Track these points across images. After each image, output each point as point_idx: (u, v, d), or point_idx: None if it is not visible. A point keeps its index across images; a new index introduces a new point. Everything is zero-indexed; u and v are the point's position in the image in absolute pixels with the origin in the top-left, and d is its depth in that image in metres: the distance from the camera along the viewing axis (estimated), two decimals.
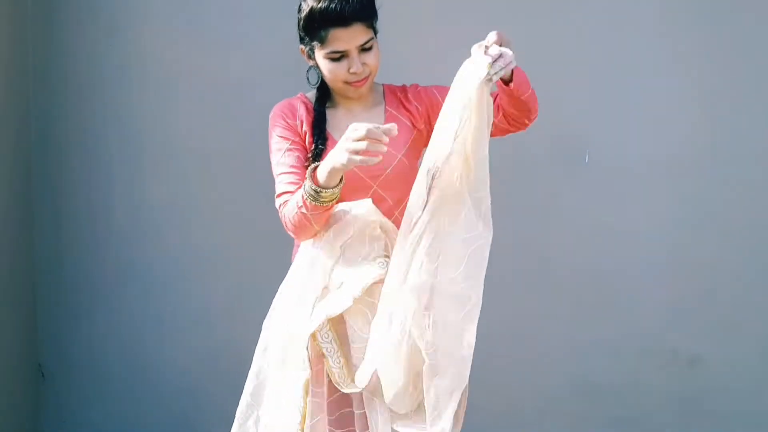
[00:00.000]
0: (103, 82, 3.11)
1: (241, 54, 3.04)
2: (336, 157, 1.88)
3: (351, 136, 1.85)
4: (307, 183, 1.94)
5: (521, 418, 3.18)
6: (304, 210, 1.95)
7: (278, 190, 2.06)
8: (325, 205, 1.95)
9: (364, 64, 2.01)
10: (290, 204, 1.99)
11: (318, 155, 2.04)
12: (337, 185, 1.95)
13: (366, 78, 2.04)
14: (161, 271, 3.17)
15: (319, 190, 1.92)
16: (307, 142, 2.08)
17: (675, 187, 3.09)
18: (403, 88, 2.18)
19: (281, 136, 2.08)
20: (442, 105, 1.92)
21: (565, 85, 3.02)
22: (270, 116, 2.12)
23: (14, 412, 3.05)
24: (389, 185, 2.06)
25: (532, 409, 3.17)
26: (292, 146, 2.07)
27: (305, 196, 1.94)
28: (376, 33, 2.04)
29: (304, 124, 2.08)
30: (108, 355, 3.20)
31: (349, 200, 2.02)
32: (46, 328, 3.19)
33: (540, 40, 2.94)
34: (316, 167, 1.95)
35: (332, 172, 1.91)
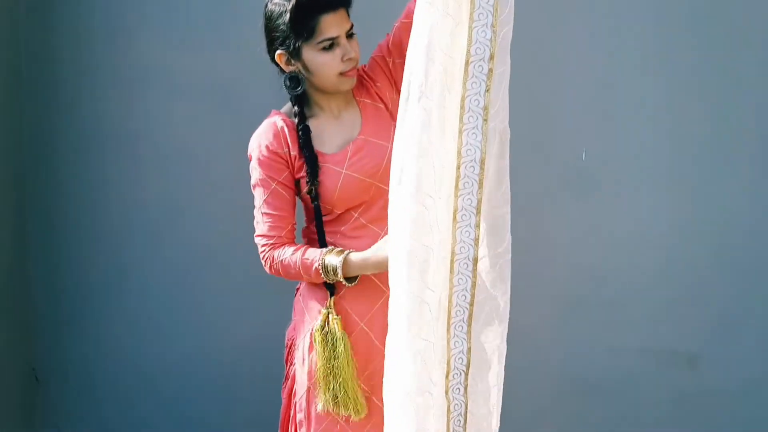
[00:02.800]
0: (98, 85, 3.09)
1: (235, 55, 3.03)
2: (380, 264, 1.94)
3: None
4: (333, 262, 1.99)
5: (518, 418, 3.16)
6: (305, 273, 2.02)
7: (261, 230, 2.08)
8: (327, 280, 2.02)
9: (352, 49, 2.04)
10: (288, 255, 2.03)
11: (314, 179, 2.04)
12: (354, 280, 2.03)
13: (355, 68, 2.06)
14: (156, 274, 3.16)
15: (339, 277, 1.99)
16: (296, 165, 2.07)
17: (672, 187, 3.08)
18: (361, 72, 2.16)
19: (267, 174, 2.06)
20: (386, 55, 2.07)
21: (563, 84, 3.01)
22: (252, 146, 2.09)
23: (8, 416, 3.04)
24: (386, 176, 2.02)
25: (530, 408, 3.16)
26: (278, 187, 2.06)
27: (318, 266, 2.00)
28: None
29: (292, 148, 2.06)
30: (102, 358, 3.19)
31: (350, 200, 2.06)
32: (40, 332, 3.18)
33: (536, 42, 2.94)
34: (348, 254, 2.00)
35: (364, 271, 2.00)
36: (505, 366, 3.11)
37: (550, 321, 3.13)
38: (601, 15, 3.03)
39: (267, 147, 2.06)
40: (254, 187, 2.10)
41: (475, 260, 1.74)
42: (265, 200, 2.06)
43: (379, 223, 2.06)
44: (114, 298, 3.17)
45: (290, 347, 2.18)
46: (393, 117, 2.07)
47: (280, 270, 2.06)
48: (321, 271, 2.00)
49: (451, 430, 1.81)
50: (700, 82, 3.03)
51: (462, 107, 1.70)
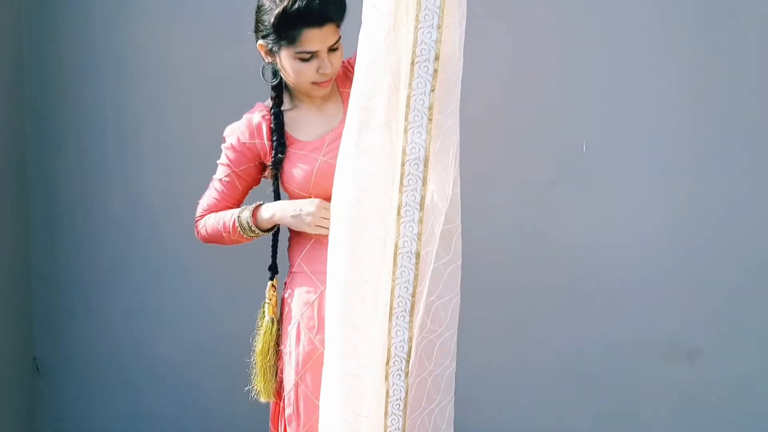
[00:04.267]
0: (99, 76, 3.10)
1: (237, 47, 3.02)
2: (294, 216, 2.03)
3: (321, 210, 1.99)
4: (245, 215, 2.08)
5: (519, 410, 3.18)
6: (225, 232, 2.12)
7: (205, 200, 2.19)
8: (247, 237, 2.12)
9: (330, 63, 2.01)
10: (212, 220, 2.14)
11: (278, 163, 2.09)
12: (269, 231, 2.11)
13: (330, 80, 2.05)
14: (156, 265, 3.17)
15: (253, 227, 2.08)
16: (267, 152, 2.11)
17: (673, 180, 3.07)
18: (346, 64, 2.17)
19: (229, 161, 2.13)
20: None
21: (563, 83, 3.01)
22: (227, 131, 2.16)
23: (9, 407, 3.05)
24: None
25: (531, 401, 3.17)
26: (233, 176, 2.14)
27: (236, 222, 2.10)
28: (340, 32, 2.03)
29: (265, 137, 2.11)
30: (103, 349, 3.20)
31: (327, 187, 2.03)
32: (42, 323, 3.19)
33: (537, 41, 2.94)
34: (260, 205, 2.09)
35: (276, 221, 2.08)
36: (504, 358, 3.13)
37: (550, 314, 3.12)
38: (603, 9, 3.02)
39: (238, 137, 2.12)
40: (218, 163, 2.17)
41: (417, 254, 1.79)
42: (220, 180, 2.15)
43: None
44: (114, 289, 3.18)
45: (279, 339, 2.18)
46: None
47: (207, 233, 2.16)
48: (237, 224, 2.09)
49: (389, 413, 1.87)
50: (702, 75, 3.01)
51: (408, 106, 1.75)
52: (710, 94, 3.02)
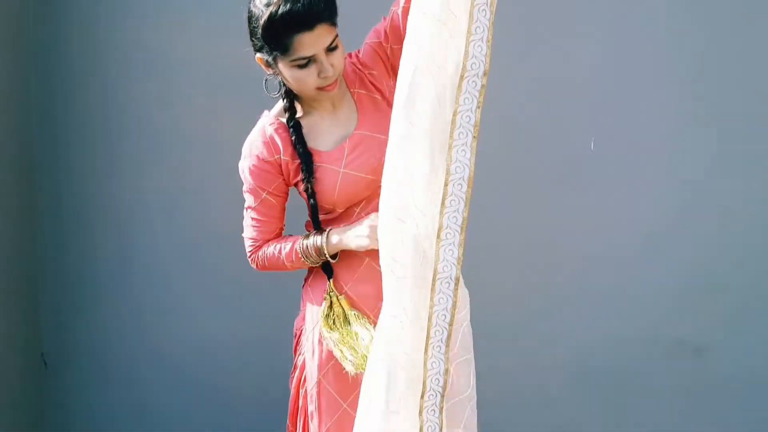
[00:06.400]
0: (105, 74, 3.08)
1: (245, 44, 3.01)
2: (355, 237, 1.96)
3: (376, 222, 1.88)
4: (315, 242, 2.00)
5: (526, 407, 3.18)
6: (287, 261, 2.04)
7: (248, 233, 2.09)
8: (308, 265, 2.05)
9: (332, 65, 1.90)
10: (270, 251, 2.06)
11: (310, 176, 1.99)
12: (336, 257, 2.02)
13: (336, 81, 1.95)
14: (163, 260, 3.17)
15: (323, 258, 2.01)
16: (289, 168, 2.01)
17: (681, 178, 3.06)
18: (353, 61, 2.06)
19: (257, 184, 2.02)
20: (383, 40, 1.97)
21: (566, 82, 3.00)
22: (244, 152, 2.04)
23: (16, 401, 3.06)
24: None
25: (538, 397, 3.17)
26: (268, 197, 2.04)
27: (299, 250, 2.02)
28: (337, 27, 1.91)
29: (283, 152, 2.00)
30: (110, 344, 3.20)
31: (351, 199, 2.01)
32: (49, 318, 3.19)
33: (541, 41, 2.92)
34: (329, 231, 2.01)
35: (340, 247, 1.99)
36: (510, 357, 3.13)
37: (556, 312, 3.12)
38: (607, 8, 3.00)
39: (257, 156, 2.01)
40: (245, 192, 2.07)
41: (457, 280, 1.71)
42: (254, 207, 2.05)
43: None
44: (121, 285, 3.18)
45: (298, 337, 2.16)
46: (391, 105, 1.99)
47: (266, 264, 2.09)
48: (300, 254, 2.03)
49: None
50: (706, 75, 3.00)
51: (453, 122, 1.67)
52: (715, 93, 3.01)
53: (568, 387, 3.15)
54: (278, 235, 2.10)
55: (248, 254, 2.10)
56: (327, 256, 2.01)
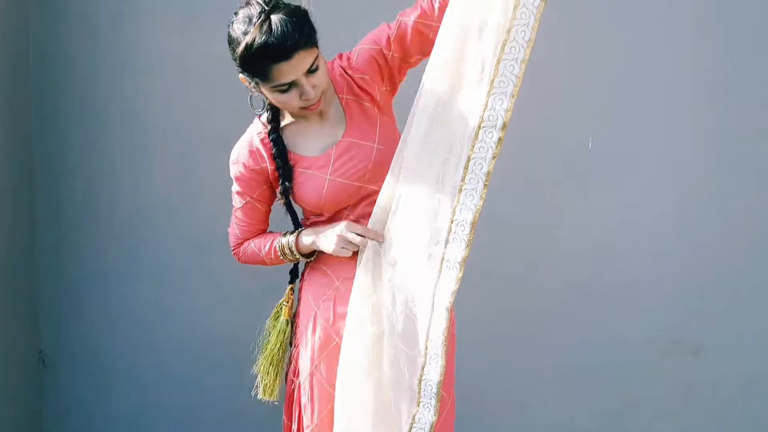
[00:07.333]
0: (106, 73, 3.08)
1: None
2: (325, 242, 2.00)
3: (345, 233, 1.95)
4: (288, 241, 2.05)
5: (523, 407, 3.18)
6: (266, 258, 2.11)
7: (233, 230, 2.15)
8: (287, 262, 2.11)
9: (314, 86, 1.89)
10: (251, 247, 2.13)
11: (286, 191, 2.03)
12: (310, 256, 2.09)
13: (320, 98, 1.93)
14: (163, 261, 3.17)
15: (295, 253, 2.06)
16: (276, 175, 2.03)
17: (678, 177, 3.07)
18: (342, 65, 2.04)
19: (242, 190, 2.07)
20: (384, 48, 1.98)
21: (568, 82, 3.00)
22: (233, 157, 2.06)
23: (15, 400, 3.06)
24: (374, 177, 2.01)
25: (534, 397, 3.17)
26: (252, 201, 2.08)
27: (277, 248, 2.08)
28: (317, 46, 1.89)
29: (269, 161, 2.02)
30: (108, 343, 3.20)
31: (338, 204, 2.02)
32: (48, 317, 3.19)
33: (541, 41, 2.91)
34: (300, 232, 2.06)
35: (314, 247, 2.04)
36: (508, 356, 3.13)
37: (555, 310, 3.13)
38: (607, 7, 3.01)
39: (243, 164, 2.04)
40: (232, 192, 2.11)
41: (449, 310, 1.83)
42: (240, 209, 2.11)
43: (369, 218, 2.02)
44: (120, 284, 3.18)
45: (294, 330, 2.18)
46: (381, 111, 2.03)
47: (247, 259, 2.16)
48: (279, 250, 2.08)
49: None
50: (707, 73, 3.01)
51: (466, 168, 1.77)
52: (715, 92, 3.01)
53: (565, 387, 3.16)
54: (261, 235, 2.15)
55: (231, 248, 2.18)
56: (298, 255, 2.07)
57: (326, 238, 2.01)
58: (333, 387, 2.04)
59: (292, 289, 2.19)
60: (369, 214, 2.01)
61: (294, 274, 2.21)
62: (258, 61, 1.83)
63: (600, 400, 3.15)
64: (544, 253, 3.12)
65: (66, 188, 3.14)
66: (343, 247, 1.98)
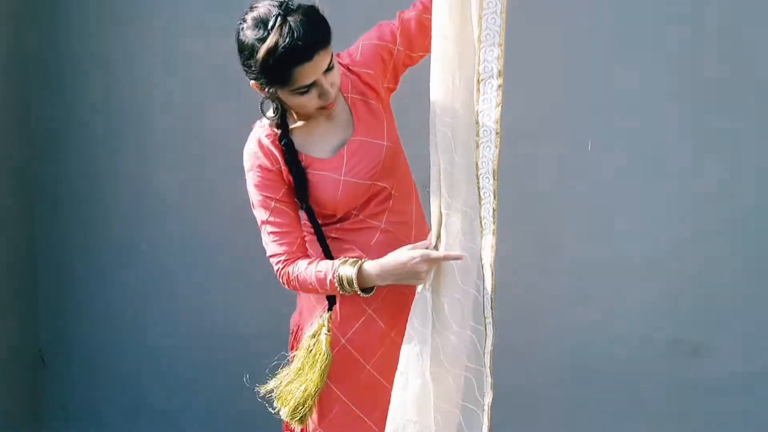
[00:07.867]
0: (105, 71, 3.09)
1: None
2: (396, 277, 1.89)
3: (415, 267, 1.86)
4: (348, 274, 1.90)
5: (521, 405, 3.18)
6: (320, 287, 1.93)
7: (271, 250, 1.98)
8: (342, 292, 1.93)
9: (332, 84, 1.88)
10: (302, 270, 1.94)
11: (303, 196, 1.96)
12: (370, 291, 1.95)
13: (335, 96, 1.92)
14: (161, 259, 3.17)
15: (355, 289, 1.91)
16: (290, 177, 1.97)
17: (677, 178, 3.06)
18: (344, 62, 2.01)
19: (265, 195, 1.95)
20: (389, 42, 1.99)
21: (568, 84, 3.00)
22: (246, 164, 1.98)
23: (14, 398, 3.06)
24: (384, 175, 2.01)
25: (533, 397, 3.17)
26: (278, 204, 1.96)
27: (335, 280, 1.90)
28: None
29: (282, 162, 1.96)
30: (107, 342, 3.20)
31: (352, 203, 1.99)
32: (47, 316, 3.19)
33: (541, 37, 2.93)
34: (362, 264, 1.91)
35: (379, 282, 1.91)
36: (506, 353, 3.13)
37: (553, 311, 3.13)
38: (607, 9, 3.01)
39: (260, 167, 1.95)
40: (254, 207, 1.99)
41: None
42: (267, 220, 1.96)
43: (378, 217, 2.02)
44: (119, 283, 3.18)
45: (296, 333, 2.16)
46: (385, 107, 2.03)
47: (297, 286, 1.97)
48: (336, 284, 1.91)
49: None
50: (706, 77, 3.00)
51: (477, 123, 1.84)
52: (715, 94, 3.01)
53: (562, 386, 3.16)
54: (302, 245, 2.00)
55: (276, 273, 1.99)
56: (357, 289, 1.92)
57: (397, 276, 1.90)
58: (340, 390, 2.03)
59: (330, 317, 2.03)
60: (377, 215, 2.01)
61: (331, 300, 2.03)
62: (280, 66, 1.79)
63: (597, 399, 3.15)
64: (541, 253, 3.11)
65: (65, 189, 3.15)
66: (418, 280, 1.91)
